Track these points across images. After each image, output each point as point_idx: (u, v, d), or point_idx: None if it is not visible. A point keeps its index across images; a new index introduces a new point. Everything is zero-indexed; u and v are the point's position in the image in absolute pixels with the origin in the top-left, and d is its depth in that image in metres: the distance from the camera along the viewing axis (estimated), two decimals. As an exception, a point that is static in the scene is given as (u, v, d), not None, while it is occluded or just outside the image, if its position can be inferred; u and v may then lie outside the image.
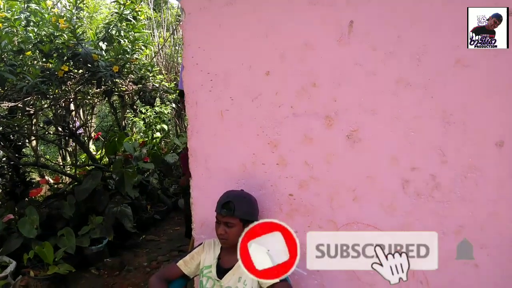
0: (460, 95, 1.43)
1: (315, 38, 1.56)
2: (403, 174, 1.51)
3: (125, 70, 3.69)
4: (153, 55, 5.70)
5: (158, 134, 5.55)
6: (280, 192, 1.69)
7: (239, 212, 1.48)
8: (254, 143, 1.71)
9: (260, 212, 1.65)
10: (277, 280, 1.46)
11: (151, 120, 5.58)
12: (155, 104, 5.60)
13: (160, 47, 6.16)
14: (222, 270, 1.54)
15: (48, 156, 5.80)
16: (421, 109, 1.47)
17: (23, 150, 4.17)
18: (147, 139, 5.33)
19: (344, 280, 1.64)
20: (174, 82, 5.65)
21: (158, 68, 5.31)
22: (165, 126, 5.76)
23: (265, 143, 1.69)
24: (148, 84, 4.58)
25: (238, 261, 1.53)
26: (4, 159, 3.78)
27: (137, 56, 3.89)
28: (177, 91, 5.37)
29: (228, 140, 1.75)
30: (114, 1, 3.58)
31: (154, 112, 5.58)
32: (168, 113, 5.90)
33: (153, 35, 6.36)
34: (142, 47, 3.92)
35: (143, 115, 5.60)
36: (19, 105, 3.47)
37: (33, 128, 3.92)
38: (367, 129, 1.54)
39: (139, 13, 3.59)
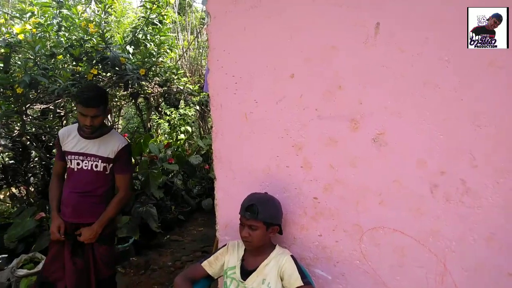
0: (492, 97, 1.38)
1: (341, 40, 1.54)
2: (432, 178, 1.47)
3: (151, 73, 3.77)
4: (178, 58, 5.79)
5: (182, 136, 5.63)
6: (305, 195, 1.69)
7: (263, 215, 1.48)
8: (278, 146, 1.71)
9: (284, 215, 1.65)
10: (301, 283, 1.45)
11: (175, 122, 5.67)
12: (179, 106, 5.69)
13: (184, 50, 6.26)
14: (246, 272, 1.55)
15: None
16: (450, 112, 1.43)
17: (54, 150, 4.32)
18: (171, 140, 5.42)
19: (370, 285, 1.62)
20: (198, 85, 5.73)
21: (183, 71, 5.39)
22: (189, 128, 5.84)
23: (289, 146, 1.69)
24: (173, 86, 4.66)
25: (262, 263, 1.54)
26: (36, 159, 3.92)
27: (162, 59, 3.97)
28: (201, 93, 5.45)
29: (253, 143, 1.76)
30: (141, 6, 3.66)
31: (179, 114, 5.67)
32: (192, 115, 5.98)
33: (178, 38, 6.47)
34: (168, 50, 3.99)
35: (167, 117, 5.69)
36: (50, 107, 3.61)
37: (64, 129, 4.05)
38: (394, 132, 1.51)
39: (165, 17, 3.66)
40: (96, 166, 2.17)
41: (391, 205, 1.54)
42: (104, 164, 2.18)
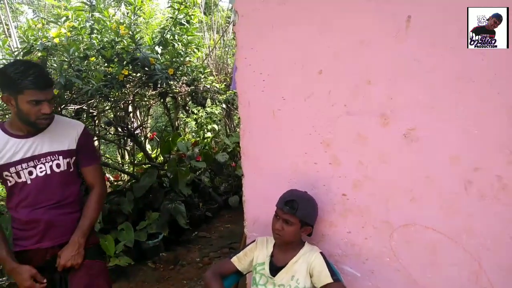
0: (530, 91, 1.33)
1: (370, 35, 1.52)
2: (465, 174, 1.43)
3: (179, 72, 3.84)
4: (204, 57, 5.86)
5: (209, 134, 5.70)
6: (333, 192, 1.68)
7: (301, 212, 1.49)
8: (306, 143, 1.71)
9: (317, 215, 1.64)
10: (331, 280, 1.45)
11: (202, 121, 5.75)
12: (206, 104, 5.76)
13: (210, 49, 6.33)
14: (275, 268, 1.56)
15: (108, 155, 6.18)
16: (485, 106, 1.38)
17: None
18: (198, 138, 5.49)
19: (400, 282, 1.59)
20: (224, 83, 5.78)
21: (209, 70, 5.46)
22: (215, 126, 5.90)
23: (317, 143, 1.68)
24: (200, 85, 4.73)
25: (292, 259, 1.55)
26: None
27: (189, 59, 4.03)
28: (227, 92, 5.50)
29: (280, 140, 1.77)
30: (168, 7, 3.74)
31: (205, 112, 5.74)
32: (218, 113, 6.04)
33: (204, 38, 6.54)
34: (195, 50, 4.06)
35: (195, 116, 5.78)
36: (84, 107, 3.74)
37: (96, 128, 4.20)
38: (426, 127, 1.47)
39: (192, 17, 3.72)
40: (58, 165, 1.64)
41: (422, 202, 1.51)
42: (67, 160, 1.67)
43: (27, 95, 1.49)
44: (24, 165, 1.59)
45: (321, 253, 1.55)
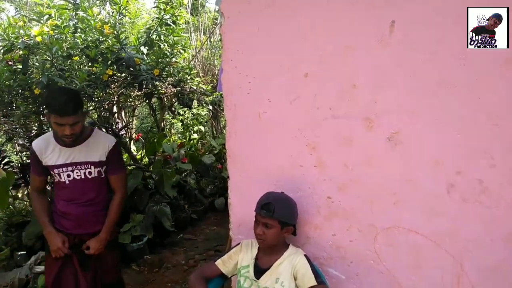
0: (509, 96, 1.36)
1: (355, 39, 1.53)
2: (448, 178, 1.45)
3: (165, 73, 3.80)
4: (191, 58, 5.82)
5: (195, 136, 5.67)
6: (318, 195, 1.68)
7: (279, 214, 1.49)
8: (292, 145, 1.71)
9: (298, 214, 1.65)
10: (315, 282, 1.45)
11: (188, 122, 5.71)
12: (192, 106, 5.73)
13: (197, 50, 6.29)
14: (259, 270, 1.56)
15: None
16: (467, 111, 1.40)
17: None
18: (184, 140, 5.46)
19: (384, 285, 1.61)
20: (211, 85, 5.75)
21: (196, 71, 5.43)
22: (202, 128, 5.88)
23: (303, 145, 1.69)
24: (186, 86, 4.69)
25: (276, 262, 1.54)
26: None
27: (176, 60, 4.00)
28: (214, 93, 5.48)
29: (266, 142, 1.76)
30: (154, 7, 3.70)
31: (192, 114, 5.71)
32: (205, 114, 6.01)
33: (191, 39, 6.51)
34: (181, 51, 4.02)
35: (181, 117, 5.74)
36: (67, 107, 3.66)
37: (80, 129, 4.12)
38: (409, 131, 1.49)
39: (179, 17, 3.68)
40: (90, 173, 2.03)
41: (406, 205, 1.53)
42: (98, 169, 2.06)
43: (53, 117, 1.85)
44: (64, 169, 1.99)
45: (305, 255, 1.55)
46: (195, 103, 5.76)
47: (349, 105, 1.58)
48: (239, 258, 1.64)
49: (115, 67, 3.28)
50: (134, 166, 4.23)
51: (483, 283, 1.45)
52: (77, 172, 2.00)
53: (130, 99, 4.72)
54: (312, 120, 1.65)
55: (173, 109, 5.88)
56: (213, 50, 6.69)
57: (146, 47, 3.54)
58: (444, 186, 1.46)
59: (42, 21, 3.03)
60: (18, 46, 2.85)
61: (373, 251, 1.61)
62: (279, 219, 1.50)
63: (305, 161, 1.69)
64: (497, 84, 1.36)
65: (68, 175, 2.00)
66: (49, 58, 2.92)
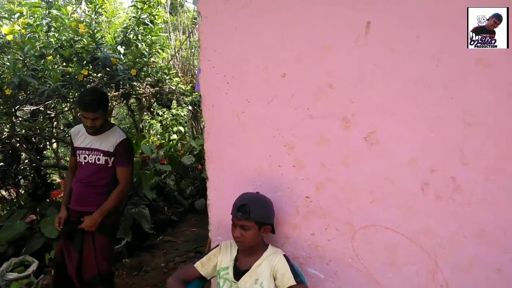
0: (481, 96, 1.39)
1: (332, 39, 1.55)
2: (423, 176, 1.48)
3: (143, 73, 3.75)
4: (170, 58, 5.76)
5: (174, 136, 5.60)
6: (297, 194, 1.69)
7: (255, 214, 1.48)
8: (270, 145, 1.71)
9: (276, 214, 1.65)
10: (294, 282, 1.45)
11: (167, 123, 5.65)
12: (171, 106, 5.66)
13: (176, 50, 6.23)
14: (239, 272, 1.55)
15: (68, 158, 5.92)
16: (440, 110, 1.44)
17: (44, 152, 4.27)
18: (164, 141, 5.39)
19: (362, 283, 1.63)
20: (190, 85, 5.71)
21: (175, 71, 5.37)
22: (181, 128, 5.81)
23: (281, 145, 1.69)
24: (165, 86, 4.64)
25: (255, 263, 1.54)
26: (26, 161, 3.88)
27: (154, 60, 3.95)
28: (193, 94, 5.43)
29: (244, 142, 1.76)
30: (131, 6, 3.64)
31: (171, 114, 5.64)
32: (184, 115, 5.95)
33: (170, 38, 6.44)
34: (159, 51, 3.97)
35: (160, 118, 5.67)
36: (40, 108, 3.57)
37: (54, 130, 4.01)
38: (385, 130, 1.51)
39: (156, 17, 3.64)
40: (99, 159, 2.36)
41: (382, 204, 1.55)
42: (106, 158, 2.36)
43: (80, 111, 2.35)
44: (83, 152, 2.39)
45: (284, 255, 1.55)
46: (174, 103, 5.70)
47: (326, 105, 1.59)
48: (218, 260, 1.62)
49: (91, 67, 3.21)
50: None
51: (457, 279, 1.48)
52: (91, 157, 2.37)
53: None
54: (290, 120, 1.66)
55: (152, 109, 5.80)
56: (193, 50, 6.64)
57: (123, 47, 3.48)
58: (419, 184, 1.49)
59: (13, 20, 2.93)
60: (-13, 45, 2.76)
61: (351, 249, 1.63)
62: (256, 219, 1.49)
63: (283, 161, 1.70)
64: (468, 84, 1.40)
65: (84, 158, 2.38)
66: (21, 58, 2.83)
